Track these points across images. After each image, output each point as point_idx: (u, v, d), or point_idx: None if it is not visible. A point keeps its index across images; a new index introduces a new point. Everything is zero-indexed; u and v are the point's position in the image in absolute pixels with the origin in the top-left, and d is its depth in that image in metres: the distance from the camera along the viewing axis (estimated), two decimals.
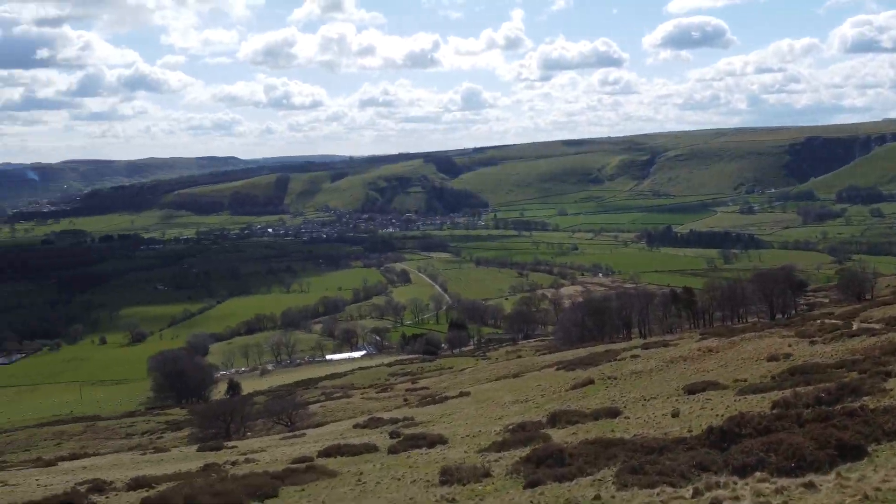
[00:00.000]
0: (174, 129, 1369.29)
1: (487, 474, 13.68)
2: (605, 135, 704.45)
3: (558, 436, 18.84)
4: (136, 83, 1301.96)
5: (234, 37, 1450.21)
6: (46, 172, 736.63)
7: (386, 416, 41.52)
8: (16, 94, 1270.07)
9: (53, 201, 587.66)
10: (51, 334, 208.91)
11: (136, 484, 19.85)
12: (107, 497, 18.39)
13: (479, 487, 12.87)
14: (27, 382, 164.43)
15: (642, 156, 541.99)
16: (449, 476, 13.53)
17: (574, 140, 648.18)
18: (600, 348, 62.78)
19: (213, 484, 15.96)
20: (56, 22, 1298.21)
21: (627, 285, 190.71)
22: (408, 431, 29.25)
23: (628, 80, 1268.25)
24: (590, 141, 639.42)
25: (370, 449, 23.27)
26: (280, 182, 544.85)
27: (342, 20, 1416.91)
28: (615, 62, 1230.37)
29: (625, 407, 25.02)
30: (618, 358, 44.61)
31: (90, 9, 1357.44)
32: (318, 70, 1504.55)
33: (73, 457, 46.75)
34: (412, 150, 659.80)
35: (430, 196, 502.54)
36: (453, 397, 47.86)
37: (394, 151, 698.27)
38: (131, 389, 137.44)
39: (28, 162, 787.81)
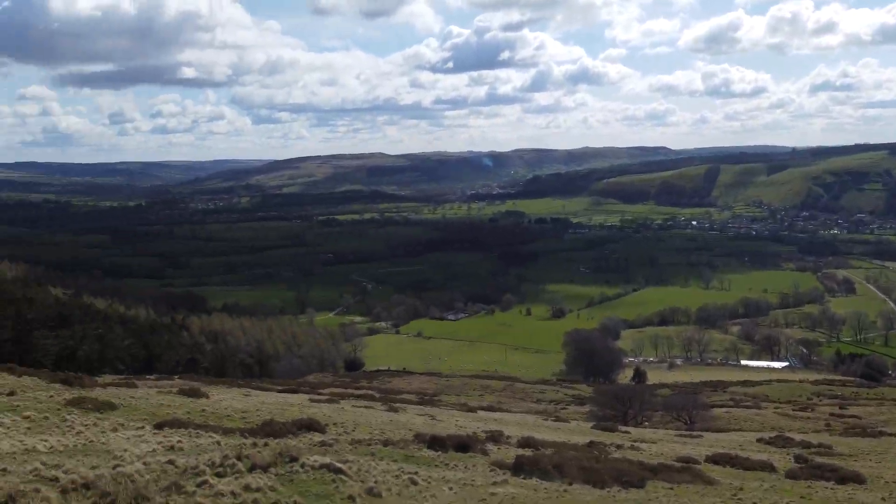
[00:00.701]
0: (609, 119, 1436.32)
1: None
2: None
3: None
4: (579, 77, 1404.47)
5: (675, 25, 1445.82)
6: (499, 159, 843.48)
7: (797, 437, 36.83)
8: (482, 91, 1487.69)
9: (501, 185, 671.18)
10: (488, 300, 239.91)
11: (525, 443, 21.53)
12: (498, 447, 20.27)
13: None
14: (467, 338, 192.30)
15: None
16: None
17: None
18: None
19: (584, 459, 16.26)
20: (518, 26, 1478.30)
21: None
22: (818, 460, 25.39)
23: None
24: None
25: (765, 467, 20.86)
26: (710, 173, 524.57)
27: None
28: None
29: None
30: None
31: (546, 11, 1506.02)
32: (764, 54, 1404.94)
33: (490, 409, 52.86)
34: (872, 141, 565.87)
35: (892, 195, 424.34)
36: (891, 434, 39.92)
37: (849, 142, 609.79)
38: (546, 359, 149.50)
39: (485, 150, 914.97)
